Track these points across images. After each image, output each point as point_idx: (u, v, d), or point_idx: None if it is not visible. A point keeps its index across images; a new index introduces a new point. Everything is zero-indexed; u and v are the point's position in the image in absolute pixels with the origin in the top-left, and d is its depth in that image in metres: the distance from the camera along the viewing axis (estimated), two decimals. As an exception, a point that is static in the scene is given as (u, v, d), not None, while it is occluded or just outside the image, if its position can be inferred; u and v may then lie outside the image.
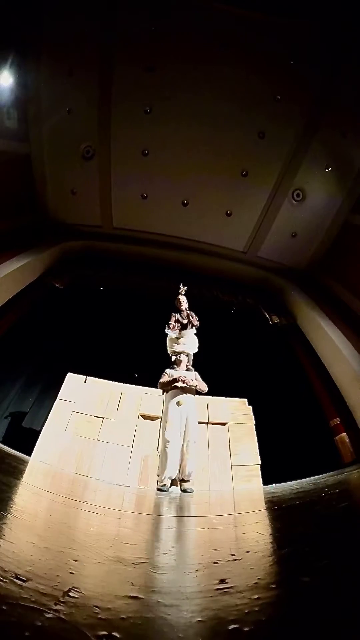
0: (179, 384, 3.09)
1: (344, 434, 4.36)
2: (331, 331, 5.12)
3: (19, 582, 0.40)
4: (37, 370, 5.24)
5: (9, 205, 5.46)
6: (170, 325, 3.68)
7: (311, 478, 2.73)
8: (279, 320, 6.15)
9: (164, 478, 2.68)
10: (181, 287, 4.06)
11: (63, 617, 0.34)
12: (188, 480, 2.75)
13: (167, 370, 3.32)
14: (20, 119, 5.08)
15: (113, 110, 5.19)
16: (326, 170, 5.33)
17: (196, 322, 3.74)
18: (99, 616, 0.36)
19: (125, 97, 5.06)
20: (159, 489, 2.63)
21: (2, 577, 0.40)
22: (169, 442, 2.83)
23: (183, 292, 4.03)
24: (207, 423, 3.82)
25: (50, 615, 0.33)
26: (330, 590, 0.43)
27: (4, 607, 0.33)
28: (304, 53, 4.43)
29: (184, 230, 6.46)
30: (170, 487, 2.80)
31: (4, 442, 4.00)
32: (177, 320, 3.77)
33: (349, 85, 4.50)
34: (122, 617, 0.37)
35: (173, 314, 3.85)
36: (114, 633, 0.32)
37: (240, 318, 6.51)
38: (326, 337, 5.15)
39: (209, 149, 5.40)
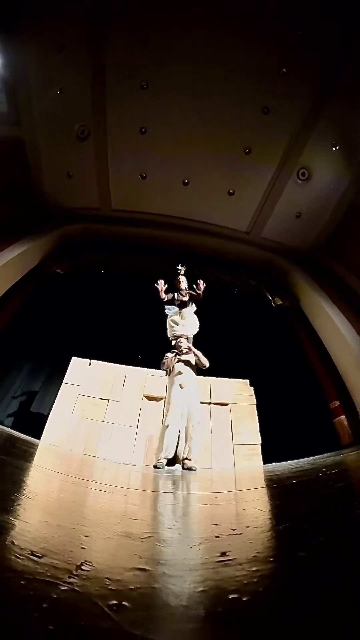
0: (181, 350, 3.15)
1: (343, 416, 4.46)
2: (334, 314, 5.10)
3: (35, 558, 0.43)
4: (42, 356, 5.32)
5: (4, 192, 5.26)
6: (159, 285, 3.60)
7: (310, 458, 2.82)
8: (281, 302, 6.12)
9: (161, 458, 2.81)
10: (179, 267, 4.01)
11: (76, 589, 0.37)
12: (190, 459, 2.86)
13: (168, 354, 3.37)
14: (10, 102, 4.80)
15: (107, 87, 4.88)
16: (333, 148, 5.05)
17: (201, 289, 3.60)
18: (110, 587, 0.39)
19: (119, 73, 4.74)
20: (155, 466, 2.74)
21: (19, 554, 0.43)
22: (167, 426, 2.92)
23: (182, 272, 3.99)
24: (209, 403, 3.92)
25: (64, 588, 0.36)
26: (325, 565, 0.46)
27: (23, 582, 0.35)
28: (312, 22, 4.08)
29: (184, 210, 6.28)
30: (173, 465, 2.93)
31: (13, 427, 4.15)
32: (175, 299, 3.75)
33: (360, 59, 4.19)
34: (130, 587, 0.40)
35: (173, 293, 3.84)
36: (123, 602, 0.35)
37: (242, 300, 6.47)
38: (329, 321, 5.14)
39: (210, 126, 5.12)
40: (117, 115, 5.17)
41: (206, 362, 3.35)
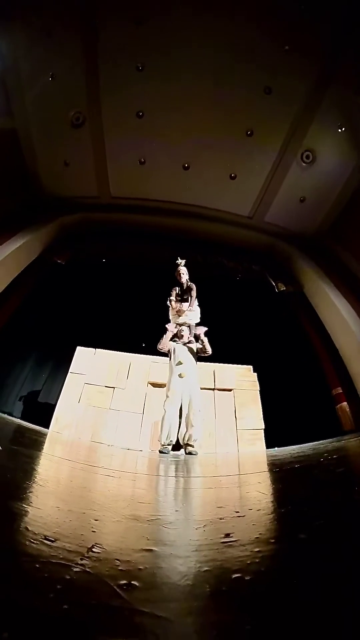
0: (183, 333, 3.19)
1: (345, 403, 4.50)
2: (338, 301, 5.05)
3: (48, 543, 0.45)
4: (47, 347, 5.38)
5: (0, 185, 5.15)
6: (172, 303, 3.63)
7: (311, 443, 2.86)
8: (285, 288, 6.06)
9: (164, 443, 2.89)
10: (178, 260, 3.96)
11: (88, 570, 0.39)
12: (192, 445, 2.93)
13: (170, 342, 3.41)
14: (0, 91, 4.61)
15: (100, 71, 4.62)
16: (339, 130, 4.78)
17: (194, 302, 3.62)
18: (120, 568, 0.41)
19: (113, 55, 4.48)
20: (160, 452, 2.83)
21: (33, 539, 0.45)
22: (166, 412, 2.98)
23: (182, 264, 3.95)
24: (213, 389, 3.97)
25: (77, 570, 0.38)
26: (324, 547, 0.48)
27: (38, 565, 0.38)
28: None
29: (185, 195, 6.12)
30: (178, 450, 3.01)
31: (22, 418, 4.26)
32: (177, 295, 3.74)
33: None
34: (139, 567, 0.42)
35: (174, 288, 3.82)
36: (133, 582, 0.37)
37: (245, 285, 6.42)
38: (332, 307, 5.09)
39: (210, 107, 4.88)
40: (112, 99, 4.93)
41: (209, 350, 3.37)
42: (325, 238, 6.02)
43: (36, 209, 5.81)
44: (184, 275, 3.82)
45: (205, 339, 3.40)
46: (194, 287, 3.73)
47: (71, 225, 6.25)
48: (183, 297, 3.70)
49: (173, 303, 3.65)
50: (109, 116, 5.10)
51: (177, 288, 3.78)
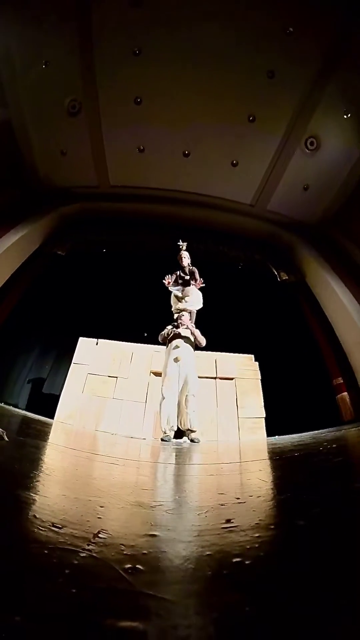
0: (180, 327, 3.17)
1: (345, 393, 4.53)
2: (340, 291, 5.01)
3: (56, 529, 0.47)
4: (49, 338, 5.42)
5: (-4, 178, 5.02)
6: (166, 280, 3.61)
7: (311, 432, 2.90)
8: (287, 277, 6.02)
9: (165, 430, 2.92)
10: (180, 243, 3.94)
11: (95, 555, 0.41)
12: (194, 431, 2.96)
13: (168, 327, 3.41)
14: None
15: (96, 56, 4.44)
16: (345, 116, 4.61)
17: (200, 281, 3.66)
18: (125, 552, 0.43)
19: (109, 39, 4.29)
20: (162, 439, 2.85)
21: (41, 526, 0.47)
22: (164, 398, 3.00)
23: (184, 248, 3.93)
24: (215, 378, 4.00)
25: (84, 555, 0.40)
26: (321, 533, 0.50)
27: (46, 551, 0.39)
28: None
29: (186, 183, 6.01)
30: (181, 438, 3.05)
31: (27, 409, 4.33)
32: (178, 277, 3.73)
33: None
34: (143, 552, 0.44)
35: (176, 272, 3.81)
36: (137, 566, 0.39)
37: (247, 274, 6.37)
38: (335, 297, 5.06)
39: (210, 92, 4.70)
40: (109, 85, 4.76)
41: (203, 341, 3.38)
42: (328, 227, 5.92)
43: (34, 201, 5.73)
44: (186, 259, 3.80)
45: (197, 331, 3.41)
46: (195, 269, 3.72)
47: (70, 215, 6.17)
48: (185, 281, 3.69)
49: (171, 282, 3.64)
50: (106, 103, 4.95)
51: (178, 271, 3.77)
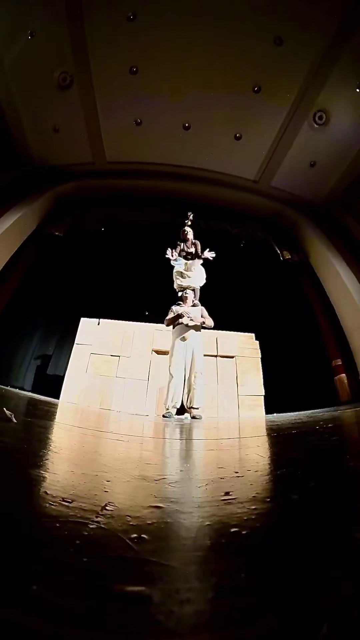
0: (183, 320, 3.18)
1: (344, 374, 4.60)
2: (343, 272, 4.94)
3: (66, 504, 0.50)
4: (52, 319, 5.44)
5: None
6: (169, 254, 3.54)
7: (309, 411, 2.97)
8: (290, 257, 5.93)
9: (169, 407, 3.00)
10: (189, 214, 3.85)
11: (103, 526, 0.44)
12: (197, 408, 3.04)
13: (173, 307, 3.38)
14: None
15: (87, 24, 4.06)
16: (357, 90, 4.28)
17: (208, 254, 3.56)
18: (131, 523, 0.46)
19: (99, 4, 3.90)
20: (164, 416, 2.94)
21: (52, 501, 0.50)
22: (172, 376, 3.06)
23: (189, 222, 3.84)
24: (216, 356, 4.07)
25: (93, 526, 0.43)
26: (315, 507, 0.53)
27: (58, 525, 0.42)
28: None
29: (186, 157, 5.75)
30: (183, 415, 3.15)
31: (33, 391, 4.44)
32: (182, 250, 3.68)
33: None
34: (148, 522, 0.47)
35: (178, 242, 3.75)
36: (142, 535, 0.42)
37: (249, 252, 6.26)
38: (337, 278, 5.00)
39: (212, 60, 4.33)
40: (101, 55, 4.39)
41: (211, 323, 3.37)
42: (334, 206, 5.72)
43: (28, 181, 5.53)
44: (189, 234, 3.74)
45: (206, 315, 3.39)
46: (198, 242, 3.67)
47: (66, 194, 5.98)
48: (188, 254, 3.64)
49: (174, 256, 3.58)
50: (99, 74, 4.60)
51: (180, 244, 3.71)
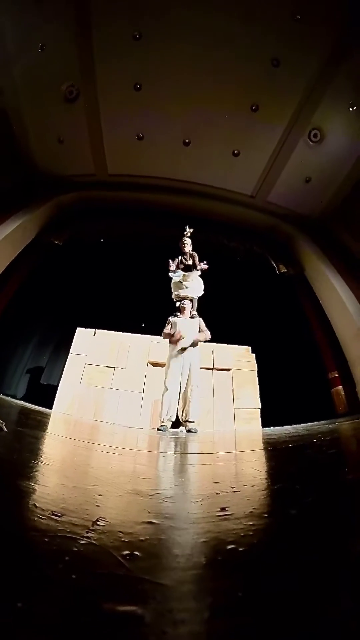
0: (178, 345, 3.15)
1: (340, 387, 4.59)
2: (339, 285, 5.02)
3: (56, 517, 0.48)
4: (47, 329, 5.40)
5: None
6: (170, 265, 3.60)
7: (306, 424, 2.94)
8: (286, 270, 6.01)
9: (163, 420, 2.95)
10: (186, 229, 3.92)
11: (94, 542, 0.42)
12: (192, 422, 3.00)
13: (171, 319, 3.37)
14: None
15: (95, 40, 4.27)
16: (350, 109, 4.48)
17: (204, 266, 3.61)
18: (123, 539, 0.44)
19: (108, 22, 4.11)
20: (158, 429, 2.88)
21: (41, 515, 0.48)
22: (167, 389, 3.02)
23: (188, 235, 3.90)
24: (212, 369, 4.04)
25: (83, 542, 0.41)
26: (313, 523, 0.52)
27: (46, 539, 0.41)
28: None
29: (186, 172, 5.91)
30: (178, 428, 3.10)
31: (26, 400, 4.35)
32: (180, 262, 3.72)
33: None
34: (141, 539, 0.45)
35: (177, 257, 3.79)
36: (135, 552, 0.40)
37: (246, 266, 6.35)
38: (333, 291, 5.06)
39: (213, 80, 4.55)
40: (108, 71, 4.59)
41: (208, 336, 3.36)
42: (329, 221, 5.87)
43: (31, 189, 5.62)
44: (188, 246, 3.79)
45: (204, 328, 3.39)
46: (195, 254, 3.72)
47: (68, 204, 6.07)
48: (186, 266, 3.68)
49: (174, 267, 3.62)
50: (104, 89, 4.80)
51: (179, 257, 3.76)
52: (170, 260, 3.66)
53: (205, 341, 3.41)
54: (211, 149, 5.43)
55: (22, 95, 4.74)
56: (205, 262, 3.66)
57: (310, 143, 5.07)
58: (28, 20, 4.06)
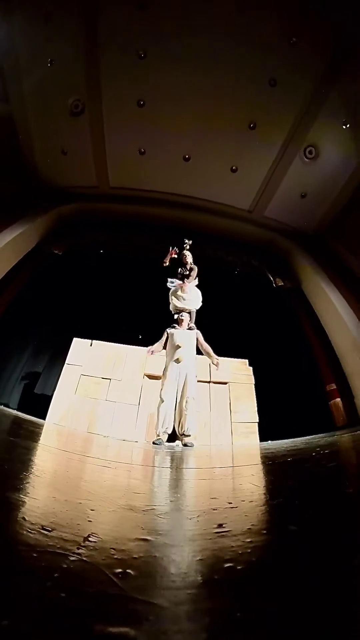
0: (175, 354, 3.15)
1: (338, 399, 4.57)
2: (335, 298, 5.08)
3: (45, 532, 0.46)
4: (43, 338, 5.37)
5: (-5, 173, 5.03)
6: (166, 261, 3.69)
7: (304, 438, 2.90)
8: (283, 284, 6.08)
9: (159, 433, 2.89)
10: (186, 241, 3.97)
11: (85, 559, 0.40)
12: (189, 435, 2.93)
13: (168, 330, 3.36)
14: None
15: (102, 57, 4.51)
16: (344, 126, 4.72)
17: (193, 278, 3.66)
18: (115, 557, 0.42)
19: (115, 41, 4.36)
20: (154, 443, 2.81)
21: (30, 529, 0.46)
22: (163, 401, 2.97)
23: (187, 247, 3.96)
24: (209, 382, 4.00)
25: (73, 558, 0.39)
26: (313, 538, 0.50)
27: (35, 555, 0.39)
28: None
29: (185, 187, 6.07)
30: (174, 442, 3.03)
31: (19, 409, 4.27)
32: (179, 273, 3.76)
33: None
34: (134, 556, 0.43)
35: (177, 274, 3.83)
36: (128, 570, 0.38)
37: (243, 279, 6.42)
38: (329, 304, 5.12)
39: (212, 98, 4.79)
40: (112, 87, 4.82)
41: (210, 350, 3.35)
42: (325, 235, 6.02)
43: (33, 199, 5.73)
44: (188, 258, 3.84)
45: (201, 337, 3.38)
46: (195, 268, 3.76)
47: (69, 215, 6.17)
48: (183, 276, 3.71)
49: (166, 262, 3.71)
50: (109, 104, 5.01)
51: (180, 269, 3.80)
52: (166, 257, 3.72)
53: (208, 354, 3.38)
54: (210, 164, 5.62)
55: (29, 106, 4.94)
56: (176, 249, 3.74)
57: (306, 159, 5.29)
58: (39, 36, 4.30)
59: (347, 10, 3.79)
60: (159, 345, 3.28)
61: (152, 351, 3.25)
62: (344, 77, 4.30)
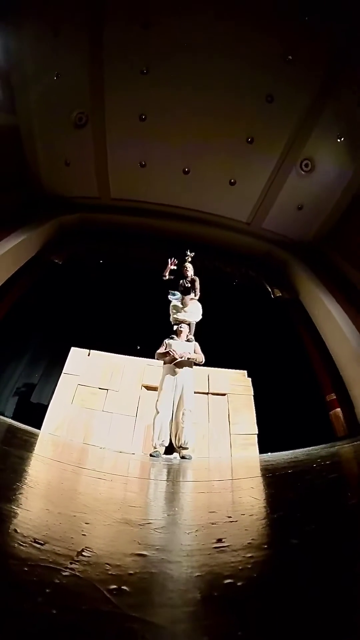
0: (174, 356, 3.12)
1: (339, 409, 4.53)
2: (333, 308, 5.11)
3: (38, 546, 0.44)
4: (41, 346, 5.34)
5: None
6: (166, 274, 3.69)
7: (305, 449, 2.86)
8: (281, 295, 6.13)
9: (156, 445, 2.83)
10: (188, 253, 4.01)
11: (78, 574, 0.38)
12: (187, 448, 2.88)
13: (166, 341, 3.35)
14: (4, 88, 4.65)
15: (106, 72, 4.72)
16: (338, 140, 4.92)
17: (197, 291, 3.67)
18: (110, 572, 0.41)
19: (118, 57, 4.57)
20: (151, 455, 2.75)
21: (22, 541, 0.45)
22: (158, 412, 2.93)
23: (189, 260, 3.99)
24: (207, 393, 3.96)
25: (66, 573, 0.38)
26: (316, 553, 0.48)
27: (26, 569, 0.37)
28: (321, 8, 3.88)
29: (185, 199, 6.20)
30: (172, 454, 2.97)
31: (14, 418, 4.20)
32: (180, 286, 3.77)
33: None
34: (130, 572, 0.42)
35: (179, 285, 3.85)
36: (123, 587, 0.37)
37: (242, 290, 6.46)
38: (328, 314, 5.15)
39: (211, 113, 4.98)
40: (116, 101, 5.01)
41: (201, 359, 3.32)
42: (322, 246, 6.12)
43: (35, 208, 5.83)
44: (190, 270, 3.86)
45: (198, 350, 3.37)
46: (197, 279, 3.78)
47: (70, 225, 6.26)
48: (185, 288, 3.72)
49: (167, 274, 3.71)
50: (111, 118, 5.19)
51: (181, 281, 3.81)
52: (167, 269, 3.74)
53: (199, 363, 3.36)
54: (209, 177, 5.77)
55: (34, 117, 5.11)
56: (174, 260, 3.74)
57: (302, 172, 5.45)
58: (46, 50, 4.49)
59: (341, 27, 3.98)
60: (163, 350, 3.25)
61: (182, 355, 3.18)
62: (337, 92, 4.51)
